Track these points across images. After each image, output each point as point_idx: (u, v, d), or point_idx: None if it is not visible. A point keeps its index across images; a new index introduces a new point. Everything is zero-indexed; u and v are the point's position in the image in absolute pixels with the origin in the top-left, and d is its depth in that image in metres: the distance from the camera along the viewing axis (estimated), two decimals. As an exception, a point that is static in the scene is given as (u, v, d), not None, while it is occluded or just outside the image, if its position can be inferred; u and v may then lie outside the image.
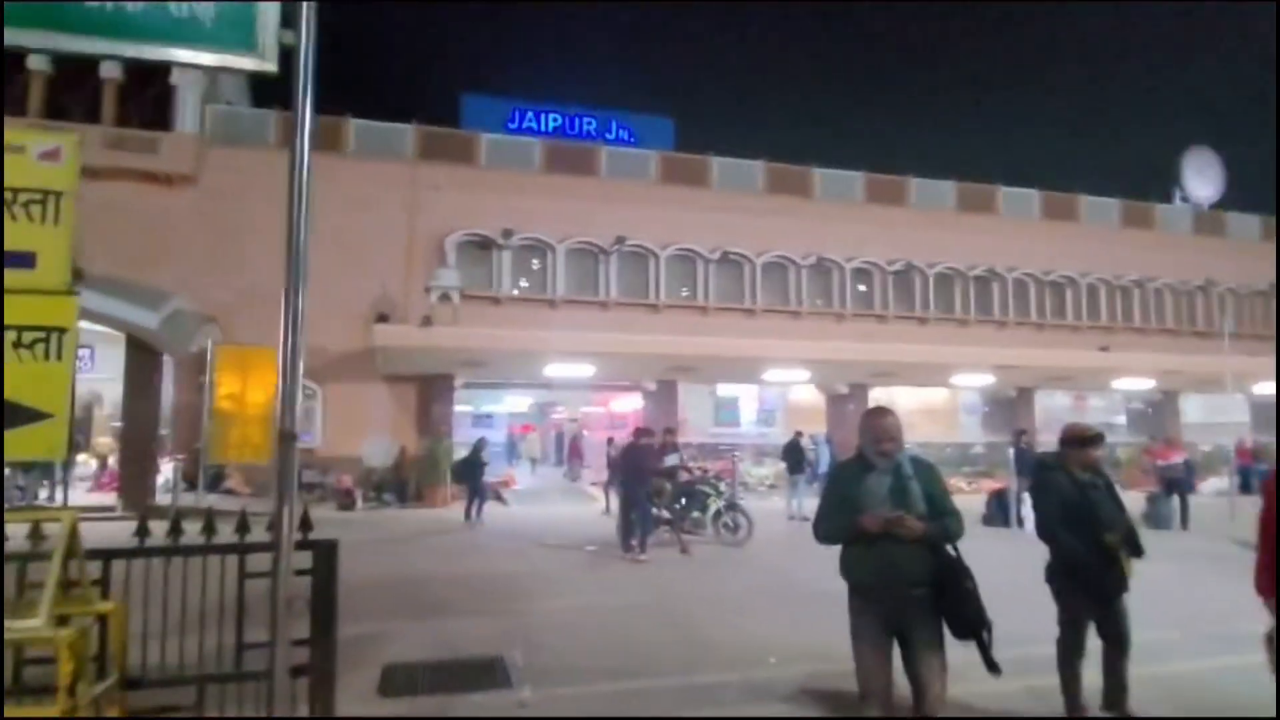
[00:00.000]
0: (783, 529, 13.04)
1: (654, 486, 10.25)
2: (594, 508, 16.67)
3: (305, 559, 3.17)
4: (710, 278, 21.70)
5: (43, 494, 14.76)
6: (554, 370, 18.52)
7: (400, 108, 20.74)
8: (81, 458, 18.18)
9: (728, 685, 4.96)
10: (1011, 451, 14.42)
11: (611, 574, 9.17)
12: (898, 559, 3.26)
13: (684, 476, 11.07)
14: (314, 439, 18.34)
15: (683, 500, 10.78)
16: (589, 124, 22.82)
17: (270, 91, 20.50)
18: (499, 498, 17.10)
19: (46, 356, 2.91)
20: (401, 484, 17.38)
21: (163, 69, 18.43)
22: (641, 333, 18.98)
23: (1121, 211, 26.64)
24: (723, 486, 11.28)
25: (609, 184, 21.38)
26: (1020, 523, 12.45)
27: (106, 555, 2.88)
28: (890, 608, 3.32)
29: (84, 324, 15.02)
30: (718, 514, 10.81)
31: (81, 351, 17.23)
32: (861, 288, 23.25)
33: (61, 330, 2.97)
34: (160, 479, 16.29)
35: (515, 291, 20.25)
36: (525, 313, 19.84)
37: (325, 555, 3.13)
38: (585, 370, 18.79)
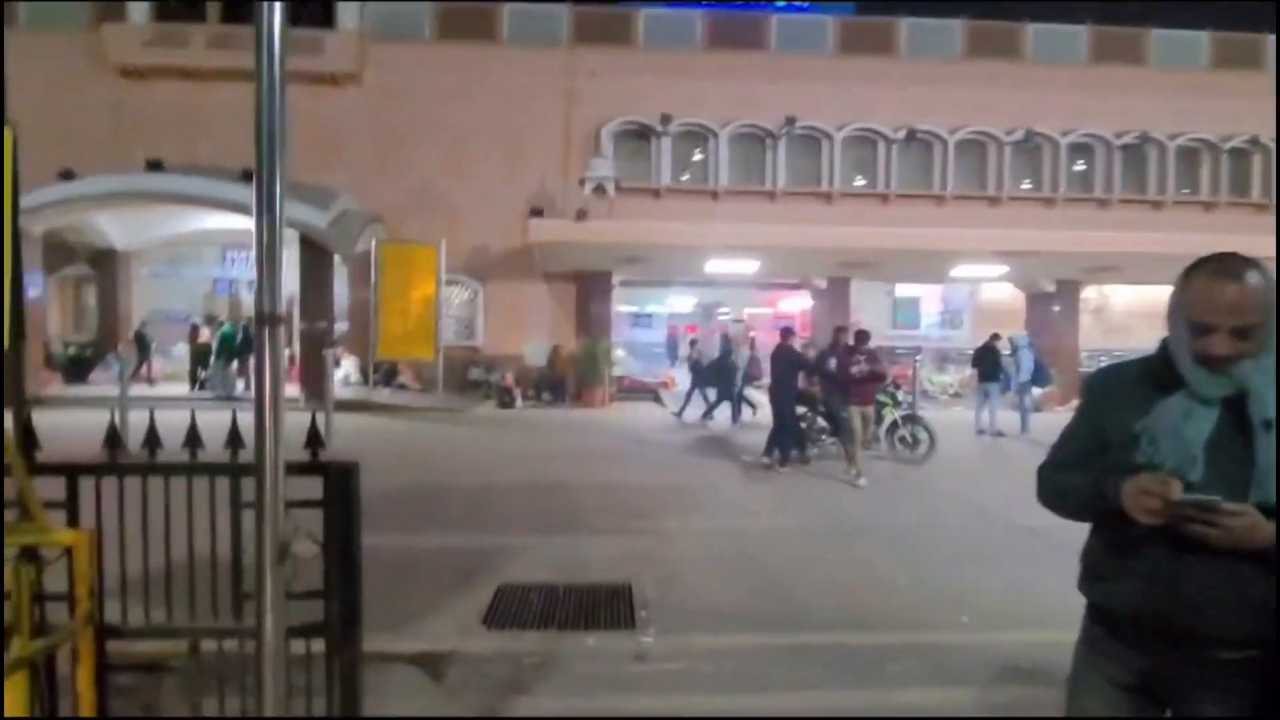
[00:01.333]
0: (971, 446, 11.42)
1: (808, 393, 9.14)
2: (762, 414, 15.68)
3: (315, 486, 2.38)
4: (893, 161, 19.23)
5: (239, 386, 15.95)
6: (715, 266, 17.34)
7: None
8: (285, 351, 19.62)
9: (905, 650, 3.86)
10: None
11: (769, 489, 8.18)
12: (1193, 583, 1.57)
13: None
14: (477, 337, 18.58)
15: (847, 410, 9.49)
16: (757, -9, 20.51)
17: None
18: (658, 399, 16.54)
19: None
20: (558, 383, 17.20)
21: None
22: (812, 225, 17.24)
23: None
24: (900, 395, 9.80)
25: (779, 59, 19.20)
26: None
27: (69, 471, 2.20)
28: (1160, 670, 1.66)
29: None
30: (894, 426, 9.42)
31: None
32: (1079, 166, 19.76)
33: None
34: (339, 373, 17.13)
35: (675, 183, 18.99)
36: (686, 205, 18.60)
37: (340, 481, 2.33)
38: (749, 266, 17.45)
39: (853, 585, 4.94)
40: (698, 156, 19.23)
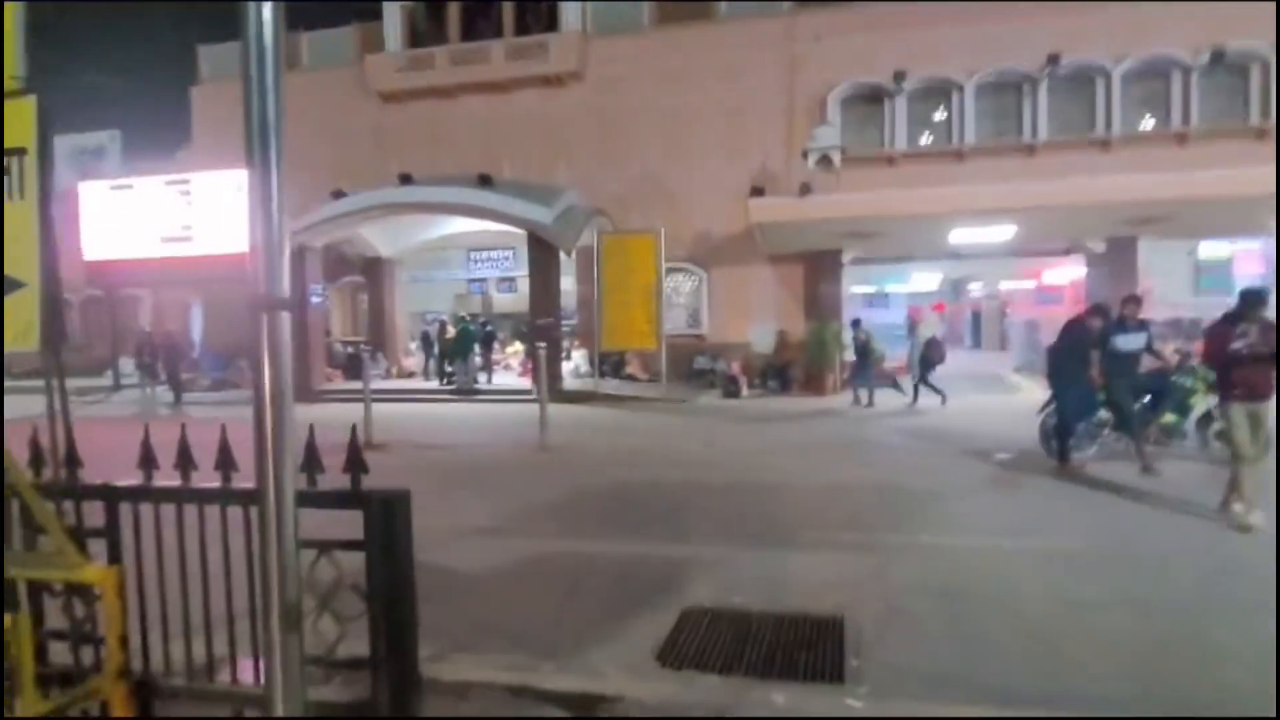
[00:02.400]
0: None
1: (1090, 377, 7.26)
2: (1016, 400, 13.59)
3: (355, 520, 1.85)
4: (1191, 92, 15.75)
5: (482, 378, 16.95)
6: (960, 236, 15.29)
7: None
8: (512, 348, 20.75)
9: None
10: None
11: (1030, 497, 6.70)
12: None
13: (1150, 363, 7.68)
14: (701, 325, 18.17)
15: (1148, 397, 7.52)
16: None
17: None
18: (895, 385, 14.95)
19: (8, 193, 1.94)
20: (784, 370, 16.24)
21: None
22: (1083, 178, 14.55)
23: None
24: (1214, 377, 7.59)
25: (1033, -9, 16.51)
26: None
27: (106, 495, 1.87)
28: None
29: (498, 226, 16.57)
30: (1206, 418, 7.33)
31: (505, 252, 19.13)
32: None
33: (21, 151, 1.96)
34: (569, 365, 17.61)
35: (913, 147, 17.10)
36: (927, 170, 16.66)
37: (384, 516, 1.77)
38: (1003, 233, 15.14)
39: (1150, 643, 3.63)
40: (939, 115, 17.16)
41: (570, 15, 18.81)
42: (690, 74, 18.09)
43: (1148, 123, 16.29)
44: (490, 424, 12.25)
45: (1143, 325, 7.70)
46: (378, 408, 13.91)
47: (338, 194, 16.91)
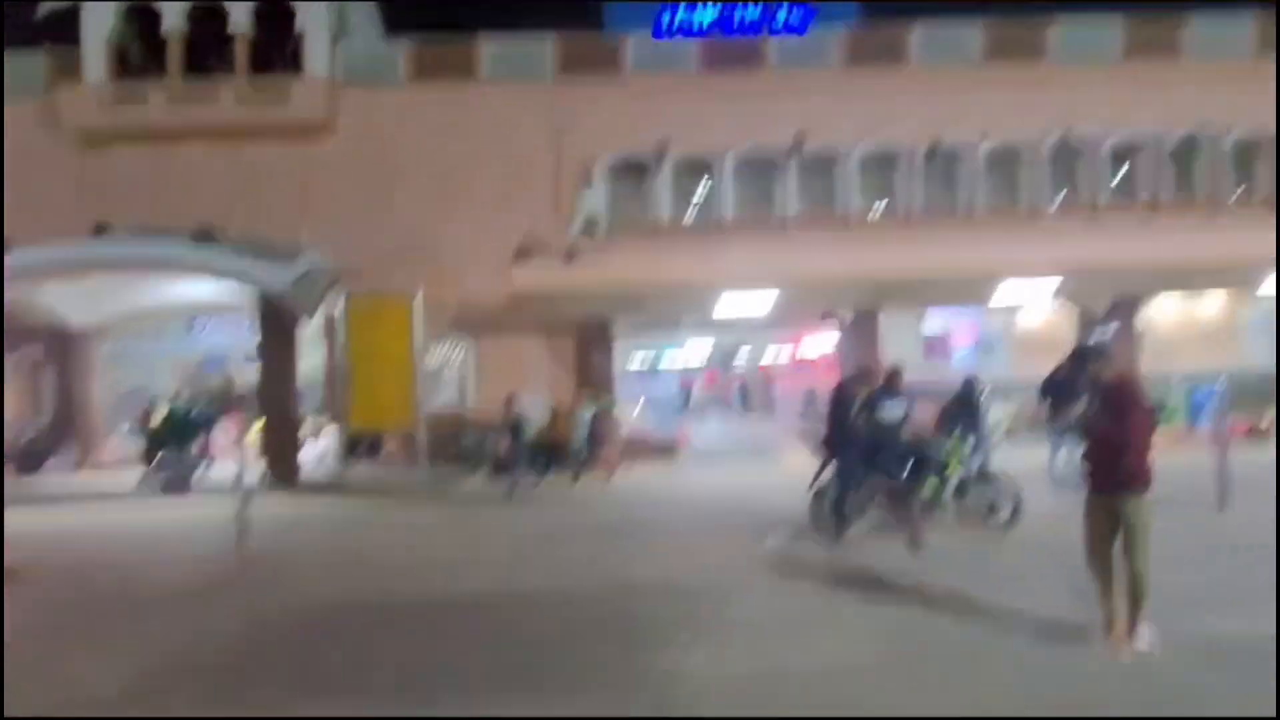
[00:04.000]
0: (1058, 503, 9.25)
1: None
2: (783, 471, 13.66)
3: None
4: (916, 179, 17.45)
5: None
6: (725, 307, 15.50)
7: (538, 23, 17.97)
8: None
9: None
10: None
11: (806, 589, 6.15)
12: None
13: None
14: (470, 400, 16.80)
15: (907, 466, 7.44)
16: (751, 12, 19.05)
17: (402, 21, 18.94)
18: (671, 458, 14.55)
19: None
20: (553, 449, 15.25)
21: (290, 15, 17.29)
22: (831, 253, 15.43)
23: None
24: (968, 445, 7.70)
25: (781, 77, 17.65)
26: None
27: None
28: None
29: (233, 290, 14.24)
30: (962, 487, 7.37)
31: (244, 320, 16.63)
32: (1123, 171, 17.85)
33: None
34: (315, 450, 15.40)
35: (678, 217, 17.31)
36: (690, 241, 16.91)
37: None
38: (764, 304, 15.58)
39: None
40: (699, 187, 17.60)
41: (316, 60, 17.17)
42: (457, 131, 17.09)
43: (881, 204, 17.79)
44: (194, 530, 9.92)
45: (902, 394, 7.71)
46: (46, 515, 11.05)
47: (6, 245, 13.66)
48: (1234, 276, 15.48)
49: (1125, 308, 16.68)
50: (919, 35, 17.97)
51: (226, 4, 17.06)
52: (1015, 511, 7.03)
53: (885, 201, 17.66)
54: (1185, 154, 17.69)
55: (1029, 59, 17.73)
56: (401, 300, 14.03)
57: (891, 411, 7.34)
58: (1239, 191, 17.65)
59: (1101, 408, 4.44)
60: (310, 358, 16.67)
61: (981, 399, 8.80)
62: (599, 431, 13.64)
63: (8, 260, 13.14)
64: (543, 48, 17.74)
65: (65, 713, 4.01)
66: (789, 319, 18.03)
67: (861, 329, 16.72)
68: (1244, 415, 15.04)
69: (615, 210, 16.88)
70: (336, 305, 14.31)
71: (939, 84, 17.43)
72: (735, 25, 19.04)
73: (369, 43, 18.72)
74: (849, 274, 14.17)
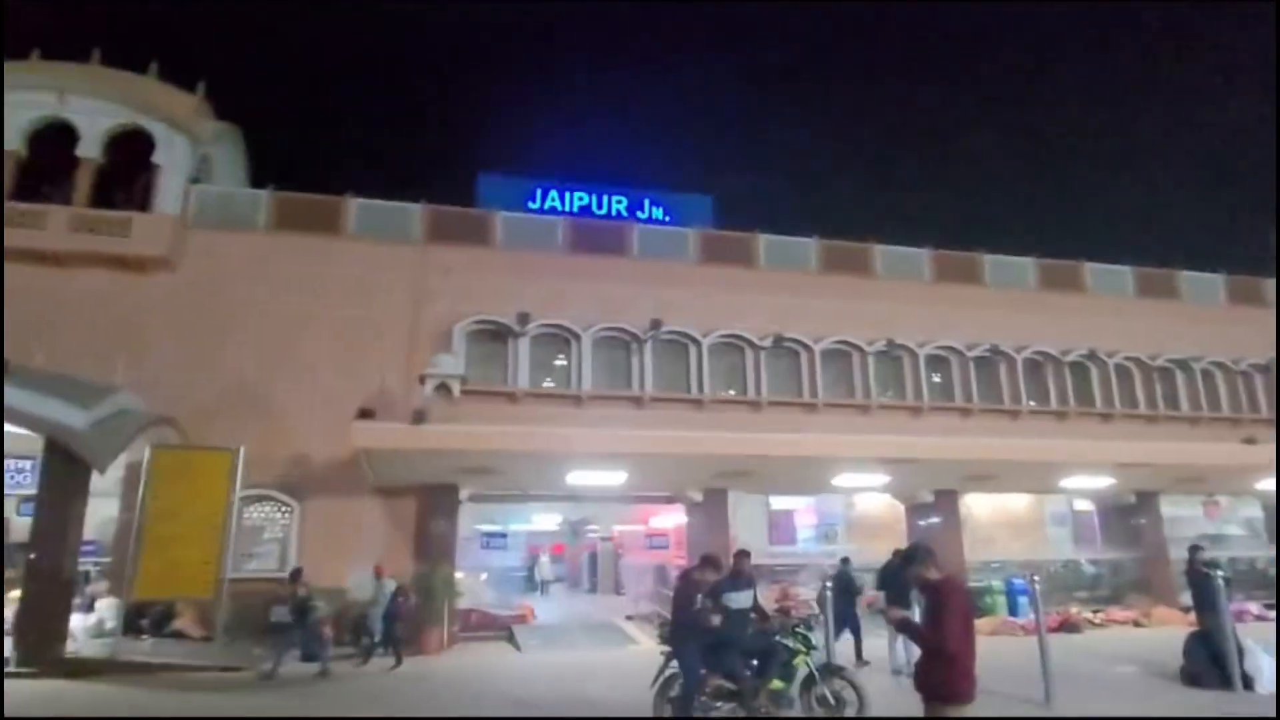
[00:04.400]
0: (902, 699, 9.23)
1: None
2: (628, 655, 13.00)
3: None
4: (762, 368, 18.57)
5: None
6: (578, 477, 15.26)
7: (415, 189, 18.44)
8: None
9: None
10: (1186, 576, 10.75)
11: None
12: None
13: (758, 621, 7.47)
14: (288, 565, 15.10)
15: (755, 661, 7.19)
16: (619, 202, 20.53)
17: (275, 174, 18.77)
18: (512, 638, 13.50)
19: None
20: (389, 624, 13.84)
21: (145, 151, 16.76)
22: (682, 430, 15.80)
23: (1229, 288, 23.30)
24: (815, 637, 7.56)
25: (642, 265, 18.81)
26: (1247, 682, 8.59)
27: None
28: None
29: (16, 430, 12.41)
30: (810, 681, 7.18)
31: (25, 463, 14.59)
32: (938, 378, 19.88)
33: None
34: (90, 620, 13.12)
35: (535, 386, 17.29)
36: (546, 410, 16.85)
37: None
38: (617, 477, 15.48)
39: None
40: (559, 359, 17.81)
41: (168, 197, 16.49)
42: (309, 283, 16.64)
43: (730, 389, 18.66)
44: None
45: (749, 580, 7.60)
46: None
47: None
48: (1036, 473, 17.12)
49: (947, 499, 17.96)
50: (765, 242, 19.88)
51: (78, 125, 16.34)
52: (861, 706, 6.88)
53: (733, 387, 18.54)
54: (988, 365, 20.04)
55: (857, 274, 20.01)
56: (219, 456, 12.76)
57: (738, 600, 7.20)
58: (1031, 402, 20.04)
59: (925, 610, 4.47)
60: (106, 513, 14.67)
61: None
62: (398, 610, 12.77)
63: None
64: (413, 213, 18.03)
65: None
66: (640, 493, 18.00)
67: (711, 507, 16.89)
68: (1055, 607, 16.21)
69: (473, 373, 16.65)
70: (143, 456, 12.78)
71: (782, 285, 19.19)
72: (602, 212, 20.39)
73: (232, 187, 18.34)
74: (700, 451, 14.45)
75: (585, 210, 20.33)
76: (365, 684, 10.94)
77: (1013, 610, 16.87)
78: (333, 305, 16.62)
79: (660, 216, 20.64)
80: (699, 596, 6.96)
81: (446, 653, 13.55)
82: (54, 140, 16.42)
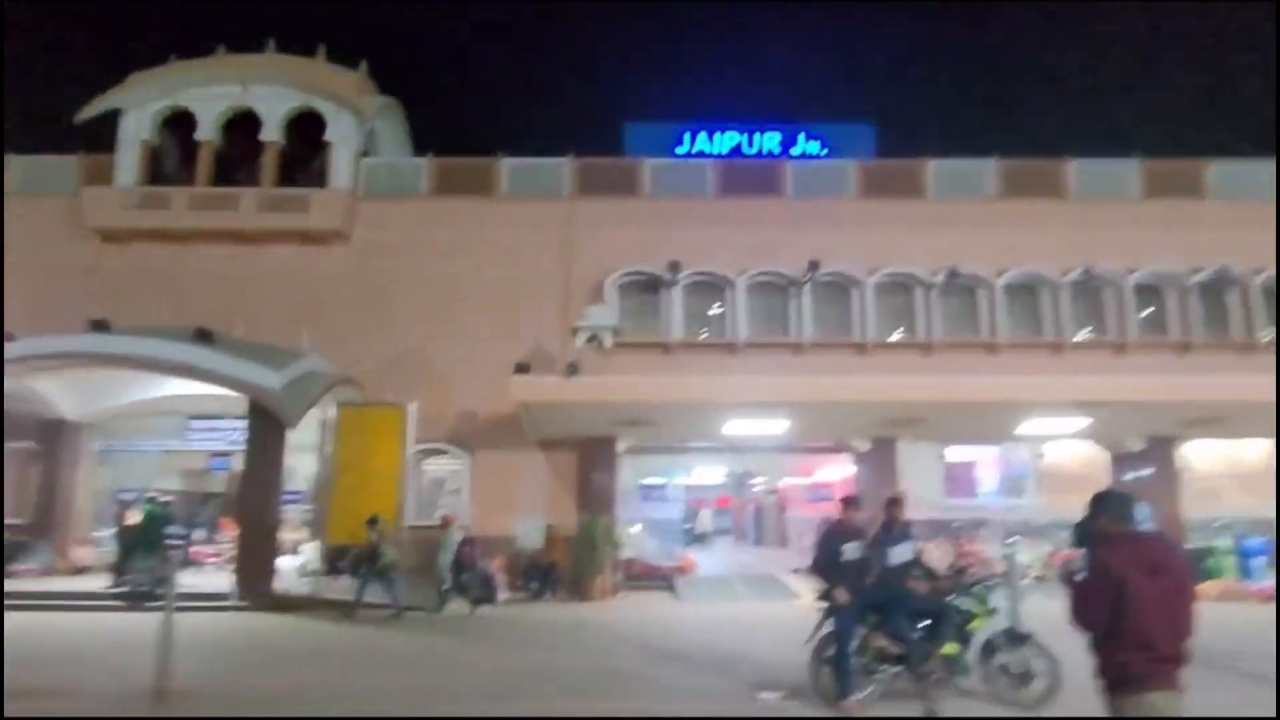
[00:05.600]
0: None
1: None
2: (791, 610, 12.52)
3: None
4: (934, 307, 17.07)
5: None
6: (736, 427, 14.81)
7: (564, 145, 18.42)
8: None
9: None
10: None
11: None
12: None
13: (923, 580, 6.73)
14: (464, 516, 15.94)
15: (925, 623, 6.47)
16: (770, 139, 19.44)
17: (433, 141, 19.47)
18: (672, 589, 13.48)
19: None
20: (548, 570, 14.28)
21: (318, 131, 17.83)
22: (845, 378, 14.86)
23: None
24: (994, 598, 6.68)
25: (797, 204, 17.75)
26: None
27: None
28: None
29: (224, 391, 13.85)
30: (989, 648, 6.37)
31: (238, 422, 16.23)
32: (1149, 309, 17.36)
33: None
34: (297, 561, 14.53)
35: (689, 336, 16.93)
36: (701, 360, 16.47)
37: None
38: (777, 427, 14.89)
39: None
40: (712, 307, 17.30)
41: (342, 173, 17.56)
42: (465, 246, 17.19)
43: (898, 331, 17.33)
44: (139, 649, 9.00)
45: (904, 531, 6.85)
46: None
47: (6, 337, 13.52)
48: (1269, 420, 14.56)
49: (1161, 447, 15.76)
50: (935, 169, 18.09)
51: (260, 111, 17.70)
52: (1055, 680, 6.00)
53: (902, 328, 17.21)
54: (1213, 293, 17.22)
55: (1045, 197, 17.71)
56: (394, 410, 13.54)
57: (896, 554, 6.47)
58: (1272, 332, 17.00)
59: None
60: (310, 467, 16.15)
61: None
62: (464, 559, 12.82)
63: (9, 349, 12.94)
64: (562, 169, 18.05)
65: None
66: (804, 444, 17.28)
67: (879, 458, 15.89)
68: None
69: (626, 325, 16.57)
70: (330, 413, 13.83)
71: (956, 215, 17.42)
72: (754, 151, 19.42)
73: (396, 157, 19.22)
74: (864, 399, 13.52)
75: (736, 151, 19.43)
76: (526, 626, 11.26)
77: (1246, 573, 14.56)
78: (490, 265, 17.06)
79: (817, 151, 19.32)
80: (855, 544, 6.32)
81: (609, 601, 13.74)
82: (241, 128, 17.88)
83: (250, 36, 18.57)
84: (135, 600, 12.26)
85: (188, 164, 17.97)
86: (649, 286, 17.05)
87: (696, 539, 22.09)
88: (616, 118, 22.41)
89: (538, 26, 64.45)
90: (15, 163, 17.94)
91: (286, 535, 14.86)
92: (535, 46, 64.03)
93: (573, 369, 12.85)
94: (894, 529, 6.69)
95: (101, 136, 18.04)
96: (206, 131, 17.71)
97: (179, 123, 18.01)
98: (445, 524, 13.31)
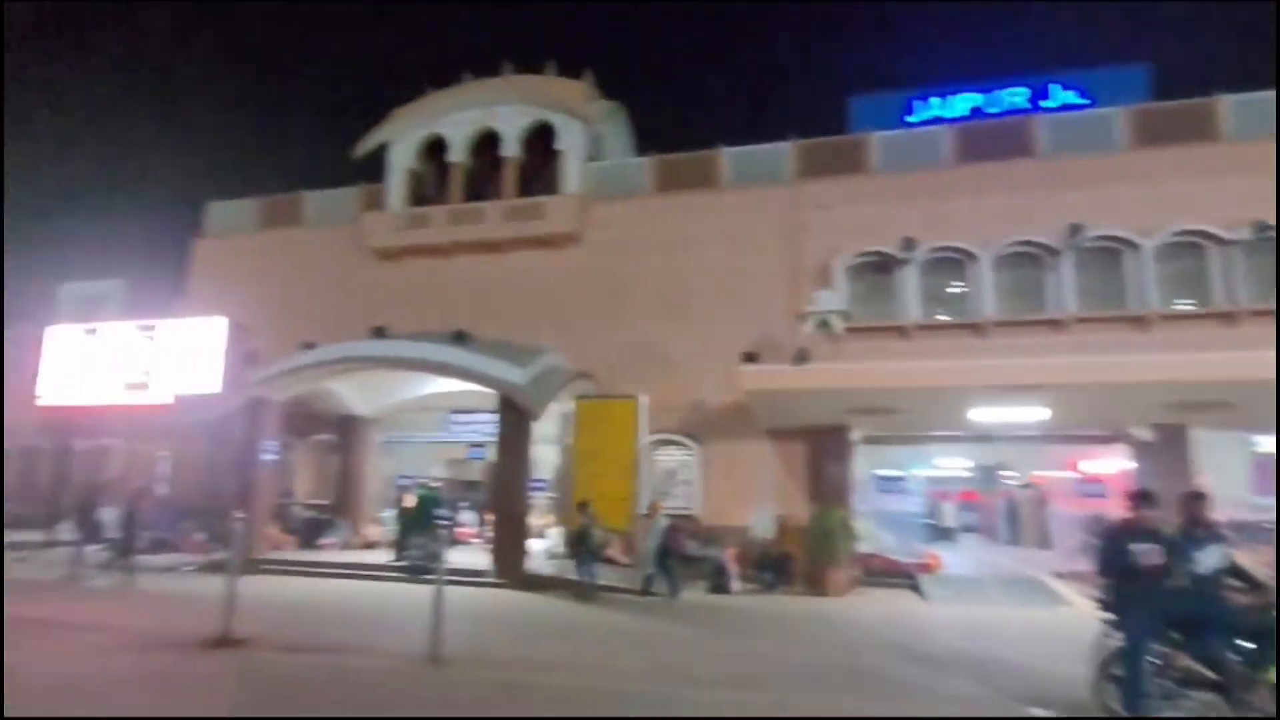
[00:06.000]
0: None
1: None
2: (1059, 618, 11.17)
3: None
4: (1236, 269, 14.39)
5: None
6: (983, 414, 13.51)
7: (783, 129, 18.07)
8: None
9: None
10: None
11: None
12: None
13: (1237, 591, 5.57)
14: (695, 505, 16.17)
15: (1247, 644, 5.33)
16: (1015, 95, 17.52)
17: (656, 139, 19.99)
18: (916, 587, 12.62)
19: None
20: (782, 561, 13.99)
21: (549, 140, 18.98)
22: (1120, 356, 12.94)
23: None
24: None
25: (1049, 164, 15.83)
26: None
27: None
28: None
29: (477, 387, 15.24)
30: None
31: (490, 415, 17.76)
32: None
33: None
34: (543, 545, 15.58)
35: (928, 318, 15.77)
36: (942, 343, 15.28)
37: None
38: (1035, 414, 13.36)
39: None
40: (955, 287, 15.95)
41: (571, 178, 18.57)
42: (690, 239, 17.40)
43: (1184, 300, 14.85)
44: (415, 616, 10.15)
45: (1213, 533, 5.72)
46: (307, 584, 12.22)
47: (308, 346, 15.90)
48: None
49: None
50: (1230, 105, 15.24)
51: (501, 130, 19.22)
52: None
53: (1188, 299, 14.70)
54: None
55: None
56: (627, 402, 14.02)
57: (1204, 560, 5.42)
58: None
59: None
60: (553, 457, 17.31)
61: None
62: (669, 546, 12.86)
63: (306, 357, 15.21)
64: (783, 153, 17.64)
65: None
66: (1068, 432, 15.38)
67: (1166, 449, 13.69)
68: None
69: (858, 309, 15.82)
70: (569, 405, 14.65)
71: (1260, 158, 14.51)
72: (997, 109, 17.65)
73: (621, 159, 19.94)
74: (1145, 381, 11.67)
75: (977, 113, 17.78)
76: (762, 617, 11.08)
77: None
78: (716, 255, 17.12)
79: (1075, 101, 17.10)
80: (1149, 546, 5.38)
81: (846, 596, 13.16)
82: (485, 147, 19.54)
83: (490, 60, 20.23)
84: (413, 573, 13.85)
85: (442, 184, 19.97)
86: (881, 267, 16.12)
87: (939, 534, 20.57)
88: (839, 95, 21.42)
89: (751, 15, 63.92)
90: (309, 199, 21.13)
91: (534, 520, 16.00)
92: (750, 34, 63.56)
93: (802, 356, 12.45)
94: (1198, 530, 5.62)
95: (371, 169, 20.67)
96: (457, 153, 19.57)
97: (433, 148, 20.08)
98: (652, 511, 13.54)
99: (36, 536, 17.63)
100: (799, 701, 6.41)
